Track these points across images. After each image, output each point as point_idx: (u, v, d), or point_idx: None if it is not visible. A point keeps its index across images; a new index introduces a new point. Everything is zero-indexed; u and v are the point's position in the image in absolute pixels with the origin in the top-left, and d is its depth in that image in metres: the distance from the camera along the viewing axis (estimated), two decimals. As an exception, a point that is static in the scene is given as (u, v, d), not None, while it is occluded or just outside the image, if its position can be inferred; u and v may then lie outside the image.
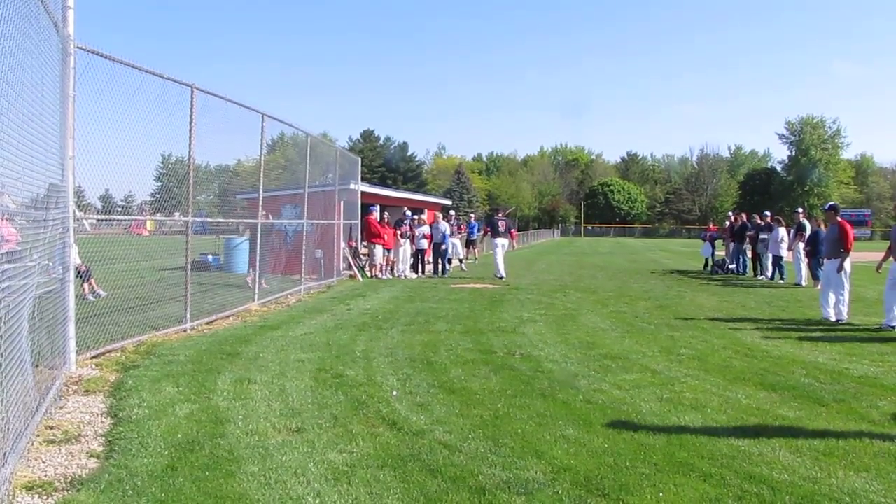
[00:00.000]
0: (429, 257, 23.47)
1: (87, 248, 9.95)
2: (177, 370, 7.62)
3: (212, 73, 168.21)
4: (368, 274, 21.10)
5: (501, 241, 21.28)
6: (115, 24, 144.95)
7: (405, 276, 21.41)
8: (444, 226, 22.98)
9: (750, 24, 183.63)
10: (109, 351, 8.44)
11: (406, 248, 22.06)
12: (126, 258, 11.29)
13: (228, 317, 11.70)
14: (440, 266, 22.76)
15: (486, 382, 7.34)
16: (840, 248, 12.32)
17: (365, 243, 24.25)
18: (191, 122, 10.06)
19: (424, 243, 22.70)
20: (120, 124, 8.33)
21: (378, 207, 21.18)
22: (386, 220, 21.67)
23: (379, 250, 20.77)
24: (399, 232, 21.73)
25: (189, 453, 5.00)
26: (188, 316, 10.37)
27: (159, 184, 11.36)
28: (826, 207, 13.21)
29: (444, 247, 22.71)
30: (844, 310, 12.22)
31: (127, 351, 8.55)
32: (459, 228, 28.06)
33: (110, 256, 9.99)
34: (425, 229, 22.76)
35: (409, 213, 23.64)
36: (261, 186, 13.25)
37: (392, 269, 21.78)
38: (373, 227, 20.38)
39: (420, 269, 22.59)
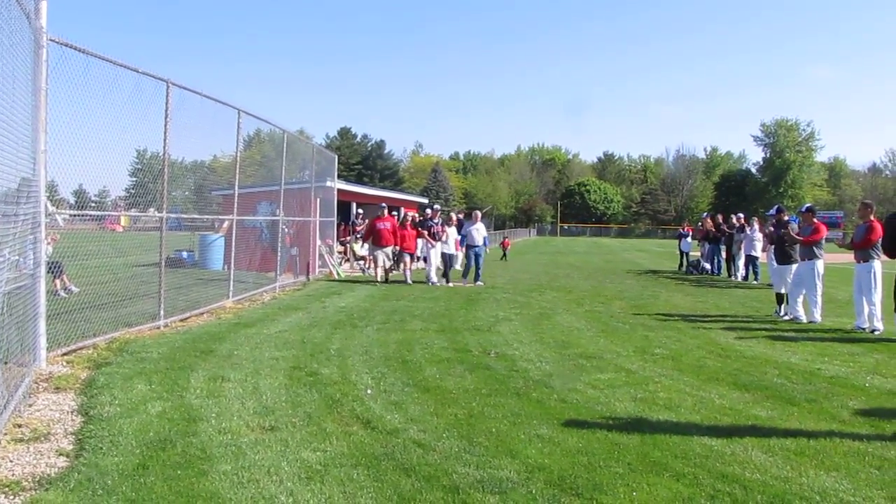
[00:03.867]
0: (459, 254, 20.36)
1: (59, 243, 9.85)
2: (149, 367, 7.55)
3: (188, 69, 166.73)
4: (377, 277, 18.83)
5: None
6: (88, 18, 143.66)
7: (435, 283, 18.76)
8: (482, 226, 19.87)
9: (727, 27, 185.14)
10: (81, 348, 8.33)
11: (437, 252, 19.63)
12: (99, 254, 11.18)
13: (203, 314, 11.62)
14: (473, 272, 19.47)
15: (461, 381, 7.34)
16: (810, 248, 12.43)
17: (345, 240, 24.03)
18: (166, 118, 9.97)
19: (454, 247, 19.88)
20: (94, 118, 8.25)
21: (398, 209, 19.91)
22: (410, 220, 20.02)
23: (380, 254, 18.75)
24: (430, 232, 19.61)
25: (161, 452, 4.96)
26: (162, 313, 10.29)
27: (134, 179, 11.26)
28: (803, 209, 13.32)
29: (476, 249, 19.41)
30: (817, 311, 12.35)
31: (99, 348, 8.46)
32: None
33: (83, 252, 9.89)
34: (454, 231, 20.02)
35: (437, 208, 21.26)
36: (236, 183, 13.17)
37: (401, 271, 19.42)
38: (374, 228, 18.92)
39: (447, 276, 19.43)
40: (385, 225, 18.84)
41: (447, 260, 19.71)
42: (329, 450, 5.10)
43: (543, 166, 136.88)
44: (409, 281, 18.75)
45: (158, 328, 10.06)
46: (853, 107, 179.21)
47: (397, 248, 19.24)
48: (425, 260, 20.33)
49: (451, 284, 18.66)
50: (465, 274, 19.46)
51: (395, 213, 22.93)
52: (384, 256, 18.88)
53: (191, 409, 6.08)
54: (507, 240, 39.20)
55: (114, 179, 9.53)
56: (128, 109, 9.04)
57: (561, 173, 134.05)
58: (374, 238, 18.94)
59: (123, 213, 11.11)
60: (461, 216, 23.75)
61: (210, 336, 9.61)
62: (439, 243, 19.58)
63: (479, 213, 20.38)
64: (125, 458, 4.80)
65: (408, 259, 19.30)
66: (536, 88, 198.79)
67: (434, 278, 19.11)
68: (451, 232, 19.86)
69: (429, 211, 22.33)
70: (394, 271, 20.05)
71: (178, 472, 4.59)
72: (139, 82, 9.23)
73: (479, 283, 19.08)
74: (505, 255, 35.03)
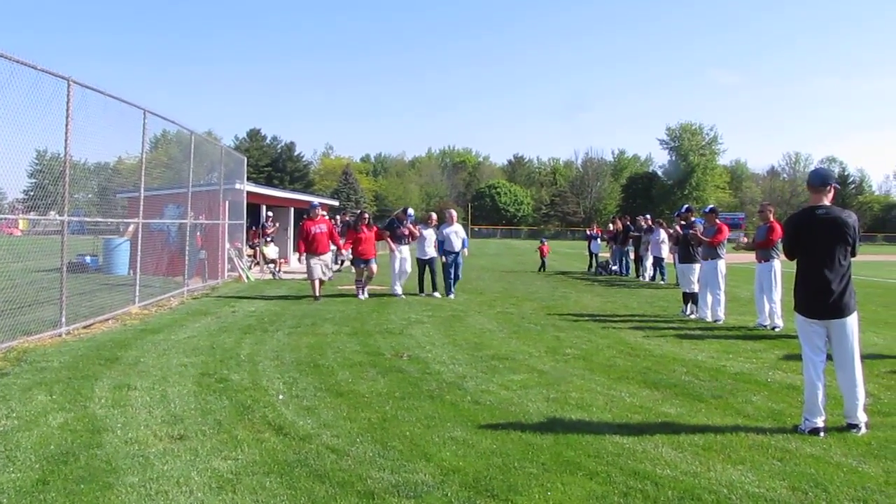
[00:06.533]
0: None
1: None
2: (50, 377, 7.28)
3: (92, 70, 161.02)
4: (315, 292, 15.27)
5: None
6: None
7: (400, 296, 15.94)
8: (460, 228, 16.96)
9: (631, 30, 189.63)
10: (-25, 358, 7.99)
11: (406, 258, 16.59)
12: (-6, 259, 10.72)
13: (107, 320, 11.26)
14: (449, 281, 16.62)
15: (374, 385, 7.32)
16: (713, 248, 12.83)
17: (254, 243, 23.55)
18: (67, 117, 9.64)
19: (432, 251, 16.71)
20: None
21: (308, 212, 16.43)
22: (366, 219, 16.42)
23: (317, 265, 15.36)
24: (394, 235, 16.52)
25: (63, 465, 4.78)
26: (63, 320, 9.92)
27: (33, 181, 10.87)
28: (706, 210, 13.67)
29: (457, 257, 16.69)
30: (720, 310, 12.74)
31: (-5, 357, 8.12)
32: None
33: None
34: (432, 234, 16.81)
35: (410, 212, 17.92)
36: (142, 185, 12.82)
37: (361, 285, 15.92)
38: (307, 233, 15.56)
39: (433, 286, 16.63)
40: (320, 228, 15.68)
41: (432, 266, 16.71)
42: (240, 458, 5.01)
43: (454, 169, 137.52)
44: (363, 296, 15.68)
45: (60, 336, 9.70)
46: (753, 112, 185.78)
47: (341, 253, 17.99)
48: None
49: (437, 295, 16.25)
50: (448, 289, 16.50)
51: (306, 215, 18.65)
52: (322, 266, 15.64)
53: (95, 419, 5.89)
54: (545, 245, 29.80)
55: (11, 181, 9.17)
56: (26, 108, 8.71)
57: (472, 175, 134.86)
58: (308, 244, 15.51)
59: (22, 217, 10.69)
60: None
61: (115, 343, 9.33)
62: (406, 247, 16.68)
63: (453, 214, 17.39)
64: (23, 475, 4.61)
65: (374, 267, 16.10)
66: (446, 90, 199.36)
67: (398, 290, 16.23)
68: (430, 234, 16.75)
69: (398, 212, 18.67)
70: (333, 277, 17.99)
71: (82, 486, 4.44)
72: (38, 80, 8.91)
73: (451, 295, 16.27)
74: (544, 264, 28.31)
